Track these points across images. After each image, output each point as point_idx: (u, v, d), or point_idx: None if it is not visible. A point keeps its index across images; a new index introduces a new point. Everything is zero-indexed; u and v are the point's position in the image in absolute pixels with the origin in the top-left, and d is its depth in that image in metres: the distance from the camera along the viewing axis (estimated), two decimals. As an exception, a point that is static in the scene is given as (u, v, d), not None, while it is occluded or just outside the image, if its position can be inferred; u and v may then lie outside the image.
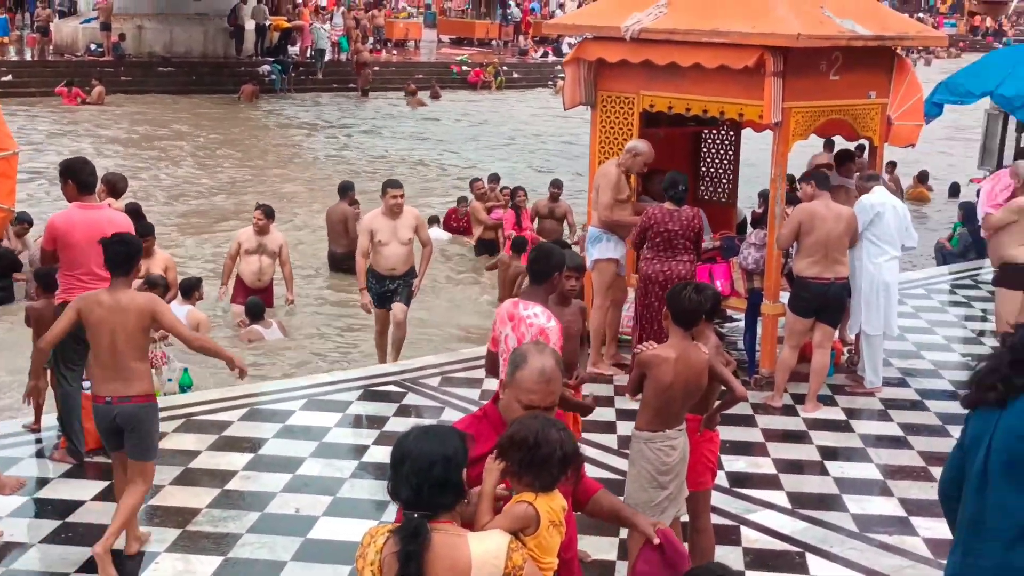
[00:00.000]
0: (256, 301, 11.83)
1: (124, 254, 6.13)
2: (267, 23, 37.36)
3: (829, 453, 7.97)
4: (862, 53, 9.10)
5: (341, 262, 14.12)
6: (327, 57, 38.14)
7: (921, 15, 70.68)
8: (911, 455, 7.99)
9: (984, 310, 11.70)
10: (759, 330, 9.35)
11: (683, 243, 8.68)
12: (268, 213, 12.35)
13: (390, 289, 10.28)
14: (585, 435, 7.28)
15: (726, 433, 7.33)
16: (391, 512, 6.12)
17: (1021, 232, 9.17)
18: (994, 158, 16.09)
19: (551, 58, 45.04)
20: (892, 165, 17.89)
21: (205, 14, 36.37)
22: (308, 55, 37.95)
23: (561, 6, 58.05)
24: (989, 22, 75.16)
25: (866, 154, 10.47)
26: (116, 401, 6.04)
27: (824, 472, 7.66)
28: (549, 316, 5.89)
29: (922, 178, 21.06)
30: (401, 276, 10.24)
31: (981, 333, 11.17)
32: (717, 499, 6.66)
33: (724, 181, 10.97)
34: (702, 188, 11.05)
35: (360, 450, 7.87)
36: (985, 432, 3.63)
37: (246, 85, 33.58)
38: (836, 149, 10.11)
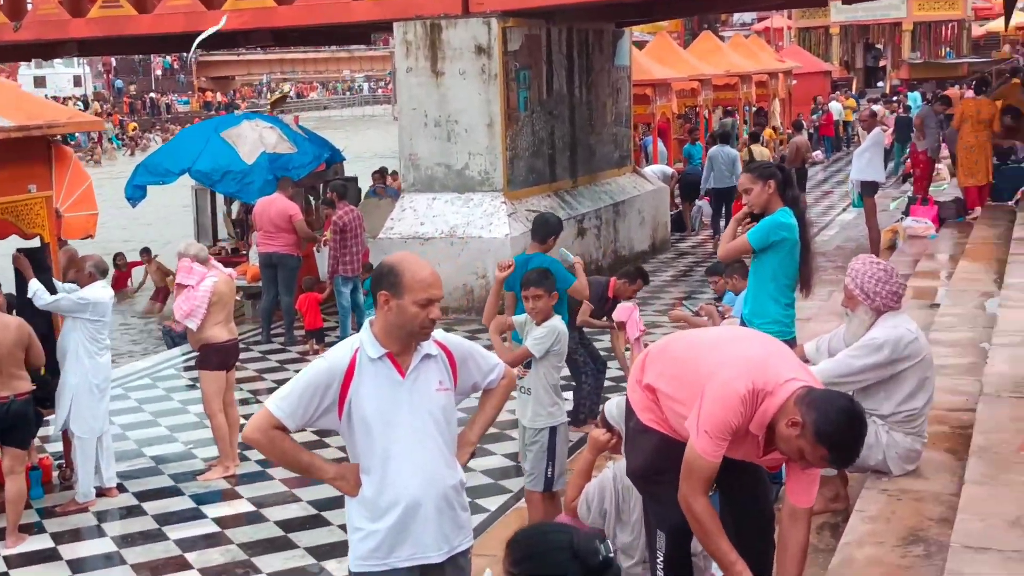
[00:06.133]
0: None
1: None
2: None
3: (36, 589, 7.13)
4: (11, 145, 8.40)
5: None
6: None
7: (155, 95, 71.93)
8: (124, 570, 7.38)
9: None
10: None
11: None
12: None
13: None
14: None
15: None
16: None
17: (216, 313, 9.01)
18: (208, 233, 16.11)
19: None
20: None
21: None
22: None
23: None
24: (220, 97, 78.34)
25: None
26: None
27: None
28: None
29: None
30: None
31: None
32: None
33: None
34: None
35: None
36: None
37: None
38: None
